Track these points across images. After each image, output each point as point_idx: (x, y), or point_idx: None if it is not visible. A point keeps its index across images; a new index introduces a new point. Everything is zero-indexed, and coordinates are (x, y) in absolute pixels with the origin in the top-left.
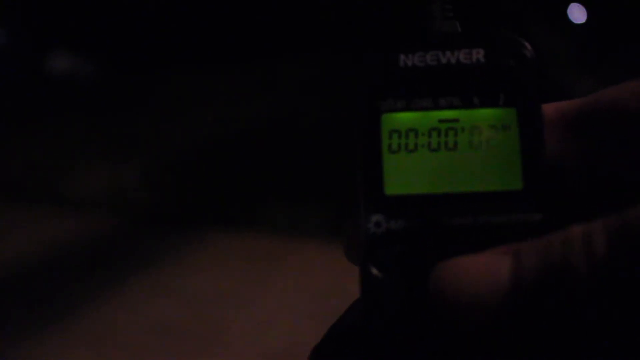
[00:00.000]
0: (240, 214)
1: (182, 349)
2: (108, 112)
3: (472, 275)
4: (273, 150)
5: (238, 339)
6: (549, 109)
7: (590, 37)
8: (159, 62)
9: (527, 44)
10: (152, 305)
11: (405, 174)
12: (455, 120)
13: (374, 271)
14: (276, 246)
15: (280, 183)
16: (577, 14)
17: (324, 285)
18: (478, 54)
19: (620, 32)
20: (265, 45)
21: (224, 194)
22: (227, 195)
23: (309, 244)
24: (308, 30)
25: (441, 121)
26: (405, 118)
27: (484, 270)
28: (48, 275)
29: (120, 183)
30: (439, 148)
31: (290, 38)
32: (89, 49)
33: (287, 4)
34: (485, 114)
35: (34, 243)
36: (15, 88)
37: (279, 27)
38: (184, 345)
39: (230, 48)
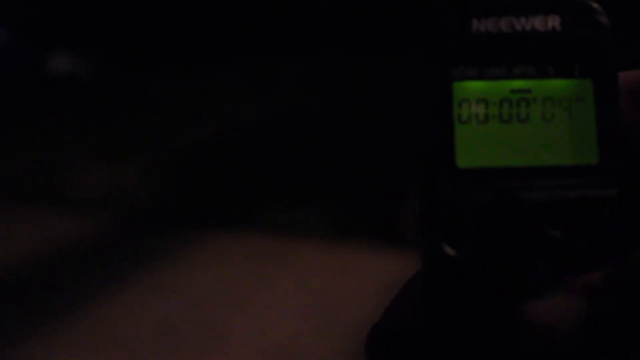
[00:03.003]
0: (240, 214)
1: (182, 348)
2: (108, 112)
3: (549, 320)
4: (273, 150)
5: (238, 339)
6: (620, 79)
7: None
8: (159, 62)
9: (603, 11)
10: (152, 305)
11: (476, 146)
12: (528, 91)
13: (447, 249)
14: (276, 246)
15: (280, 183)
16: None
17: (324, 285)
18: (554, 21)
19: (620, 32)
20: (265, 44)
21: (224, 194)
22: (227, 195)
23: (308, 244)
24: (307, 30)
25: (513, 91)
26: (476, 87)
27: (561, 312)
28: (48, 275)
29: (121, 183)
30: (511, 119)
31: (289, 38)
32: (89, 49)
33: (286, 4)
34: (559, 85)
35: (34, 243)
36: (15, 88)
37: (279, 26)
38: (184, 345)
39: (230, 48)
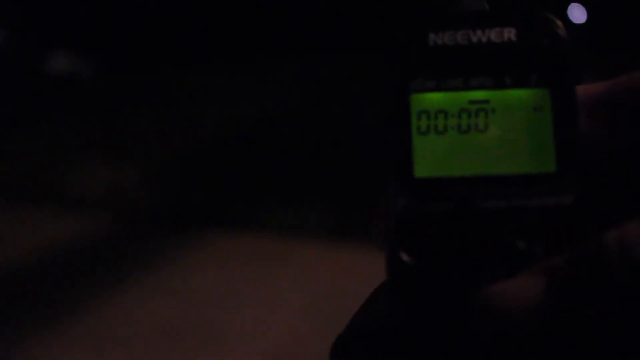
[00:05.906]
0: (240, 214)
1: (182, 348)
2: (108, 112)
3: (511, 299)
4: (273, 150)
5: (238, 339)
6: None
7: (591, 37)
8: (159, 63)
9: (560, 23)
10: (152, 305)
11: (434, 156)
12: (486, 102)
13: (404, 257)
14: (276, 246)
15: (280, 183)
16: (577, 14)
17: (324, 285)
18: (510, 33)
19: (620, 31)
20: (266, 45)
21: (224, 194)
22: (227, 195)
23: (309, 244)
24: (308, 30)
25: (471, 102)
26: (435, 99)
27: (521, 293)
28: (48, 275)
29: (120, 183)
30: (469, 130)
31: (290, 38)
32: (89, 49)
33: (287, 4)
34: (516, 95)
35: (34, 243)
36: (15, 88)
37: (280, 27)
38: (184, 345)
39: (231, 48)
